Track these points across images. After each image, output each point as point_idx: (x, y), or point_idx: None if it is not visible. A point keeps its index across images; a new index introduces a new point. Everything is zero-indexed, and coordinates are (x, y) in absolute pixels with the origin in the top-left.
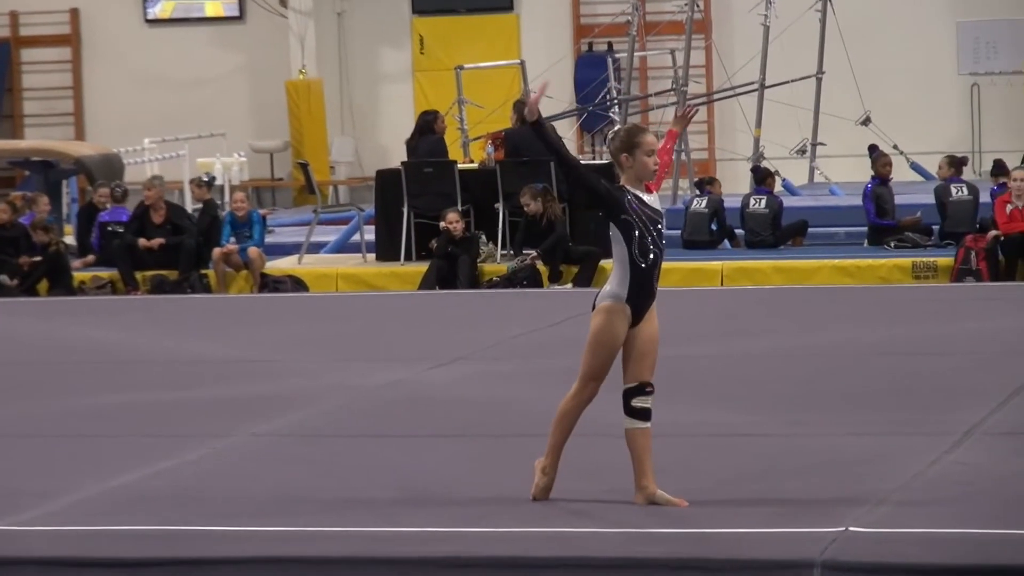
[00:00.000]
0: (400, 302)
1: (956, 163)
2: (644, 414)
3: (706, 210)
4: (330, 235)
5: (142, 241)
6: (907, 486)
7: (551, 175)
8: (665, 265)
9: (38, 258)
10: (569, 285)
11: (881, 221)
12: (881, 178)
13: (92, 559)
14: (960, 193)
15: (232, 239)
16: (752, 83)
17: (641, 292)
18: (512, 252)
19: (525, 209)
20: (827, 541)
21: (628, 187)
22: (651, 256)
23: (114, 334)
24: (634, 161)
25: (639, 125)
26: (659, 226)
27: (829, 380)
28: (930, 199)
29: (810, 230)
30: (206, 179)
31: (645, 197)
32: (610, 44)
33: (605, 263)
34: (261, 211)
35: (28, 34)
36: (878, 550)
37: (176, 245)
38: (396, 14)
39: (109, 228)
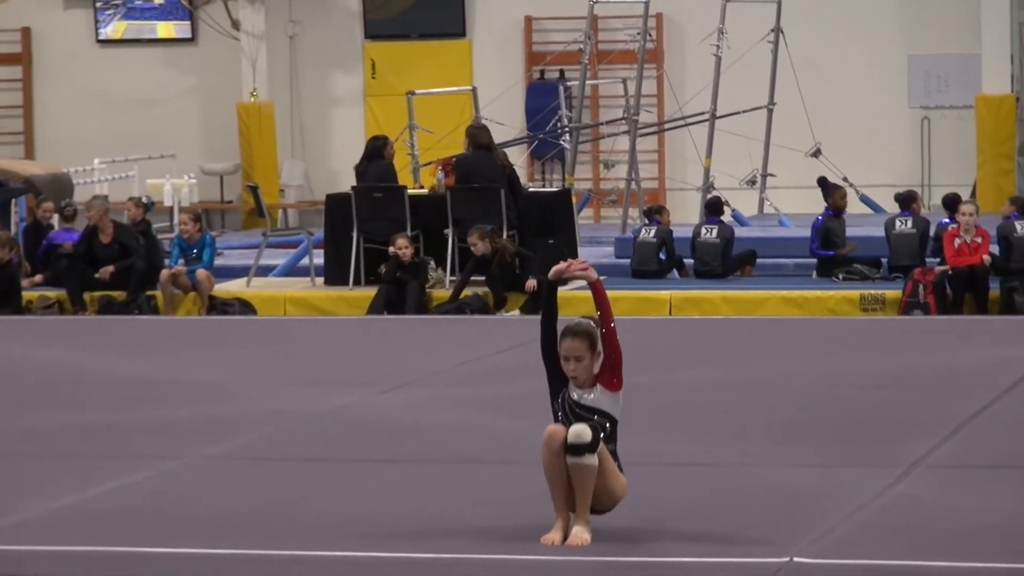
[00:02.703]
0: (348, 327)
1: (902, 198)
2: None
3: (654, 240)
4: (279, 258)
5: (100, 271)
6: (852, 517)
7: (500, 203)
8: (613, 294)
9: None
10: (516, 312)
11: (821, 252)
12: (837, 210)
13: None
14: (904, 226)
15: (181, 261)
16: (703, 113)
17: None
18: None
19: (472, 249)
20: (772, 571)
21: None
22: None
23: (61, 354)
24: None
25: (566, 328)
26: (594, 417)
27: (776, 412)
28: (879, 231)
29: (759, 261)
30: (144, 201)
31: (574, 394)
32: (562, 72)
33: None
34: (212, 233)
35: None
36: None
37: (126, 267)
38: (348, 38)
39: (58, 248)
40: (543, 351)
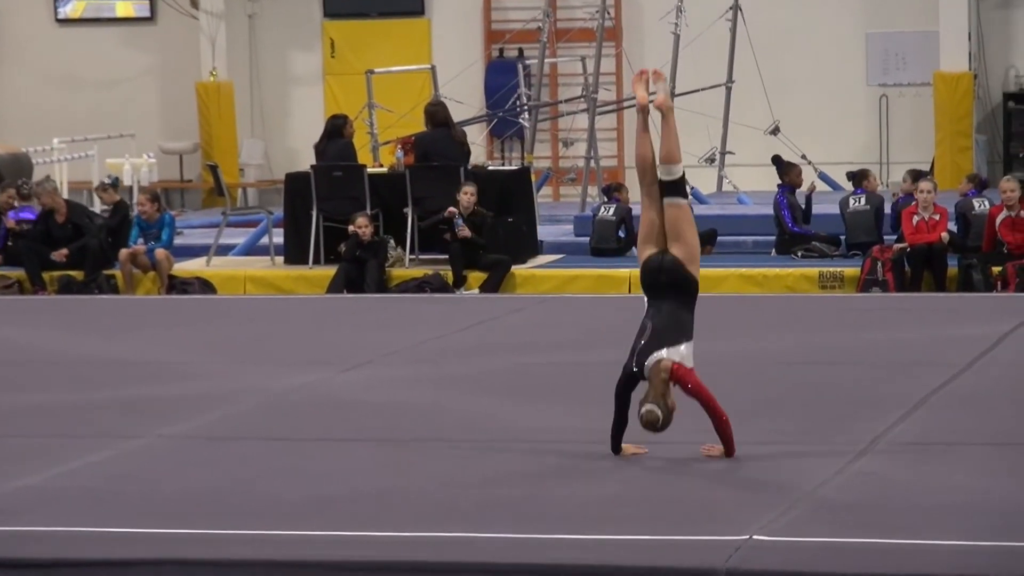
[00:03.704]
0: (308, 305)
1: (854, 176)
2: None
3: (613, 218)
4: (239, 237)
5: (54, 254)
6: (812, 495)
7: (459, 180)
8: (572, 272)
9: None
10: (476, 291)
11: (800, 230)
12: (794, 187)
13: None
14: (857, 204)
15: (140, 240)
16: None
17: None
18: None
19: (460, 197)
20: (731, 549)
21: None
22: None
23: (20, 334)
24: None
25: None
26: None
27: (735, 389)
28: (838, 209)
29: (719, 238)
30: (108, 181)
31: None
32: (521, 50)
33: (517, 269)
34: (172, 212)
35: None
36: (782, 558)
37: (80, 247)
38: (307, 17)
39: (16, 227)
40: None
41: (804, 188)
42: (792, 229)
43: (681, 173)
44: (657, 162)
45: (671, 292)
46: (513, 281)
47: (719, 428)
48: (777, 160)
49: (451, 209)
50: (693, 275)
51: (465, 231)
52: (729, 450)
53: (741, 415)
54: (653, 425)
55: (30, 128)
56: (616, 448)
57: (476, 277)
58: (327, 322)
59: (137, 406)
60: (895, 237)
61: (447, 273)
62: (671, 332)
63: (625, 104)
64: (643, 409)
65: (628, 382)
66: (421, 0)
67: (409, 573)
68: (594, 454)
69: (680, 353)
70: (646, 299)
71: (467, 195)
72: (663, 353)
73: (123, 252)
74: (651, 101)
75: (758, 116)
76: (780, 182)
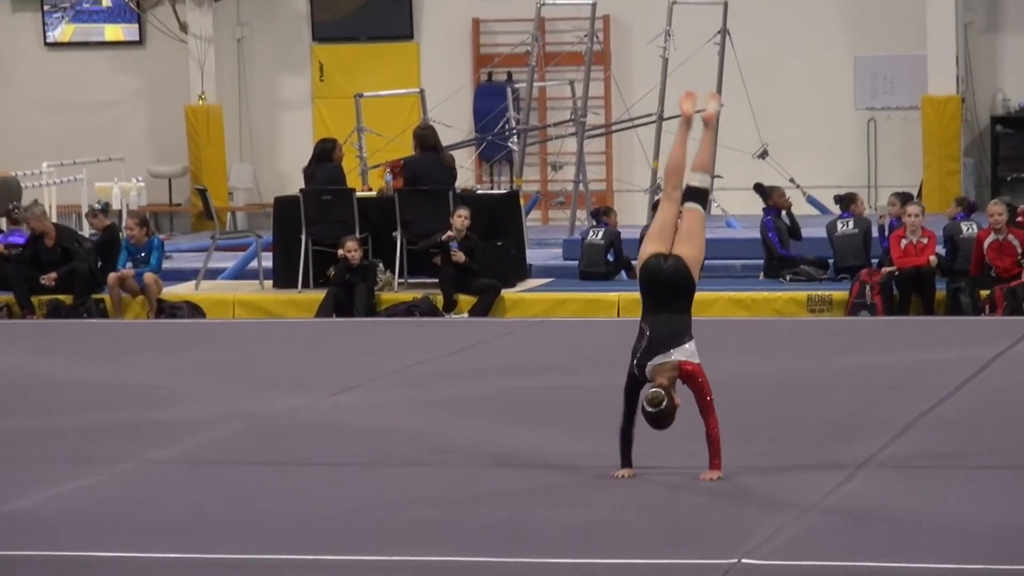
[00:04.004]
0: (297, 329)
1: (842, 200)
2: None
3: (602, 241)
4: (228, 261)
5: (43, 278)
6: (800, 518)
7: (448, 205)
8: (561, 296)
9: None
10: (465, 315)
11: (788, 253)
12: (780, 209)
13: None
14: (846, 228)
15: (128, 264)
16: (650, 115)
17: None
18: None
19: (454, 220)
20: (720, 573)
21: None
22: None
23: (8, 358)
24: None
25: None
26: None
27: (724, 412)
28: (824, 232)
29: (707, 262)
30: (98, 206)
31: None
32: (509, 74)
33: (507, 293)
34: (161, 236)
35: None
36: None
37: (69, 271)
38: (296, 41)
39: (5, 251)
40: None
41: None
42: (780, 252)
43: (709, 184)
44: (689, 168)
45: (669, 295)
46: (502, 305)
47: (708, 425)
48: (759, 187)
49: (449, 233)
50: (694, 279)
51: (459, 255)
52: (715, 459)
53: (730, 438)
54: (656, 404)
55: (19, 152)
56: (625, 458)
57: (466, 301)
58: (316, 346)
59: (126, 430)
60: (877, 261)
61: (436, 297)
62: (673, 338)
63: (613, 128)
64: (650, 390)
65: (633, 384)
66: (410, 24)
67: None
68: (583, 477)
69: (687, 351)
70: (641, 297)
71: (461, 218)
72: (671, 356)
73: (111, 276)
74: (700, 111)
75: (746, 140)
76: (765, 206)
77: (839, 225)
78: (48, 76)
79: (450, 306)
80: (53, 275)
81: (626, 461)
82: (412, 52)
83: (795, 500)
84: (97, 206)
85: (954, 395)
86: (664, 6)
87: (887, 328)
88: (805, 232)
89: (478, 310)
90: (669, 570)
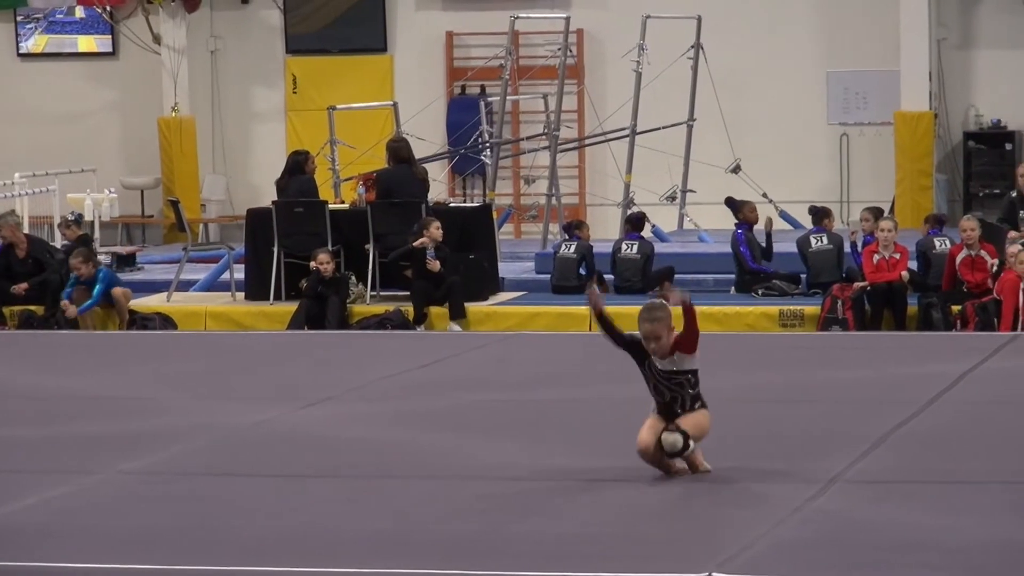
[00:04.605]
0: (269, 341)
1: (817, 212)
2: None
3: (574, 255)
4: (200, 273)
5: (13, 288)
6: (770, 533)
7: (421, 216)
8: (533, 309)
9: None
10: (456, 327)
11: (759, 267)
12: (750, 223)
13: None
14: (820, 243)
15: (71, 295)
16: (623, 129)
17: (667, 414)
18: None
19: (430, 231)
20: None
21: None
22: (666, 396)
23: None
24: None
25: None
26: (677, 378)
27: None
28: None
29: (679, 276)
30: (71, 218)
31: (659, 364)
32: (483, 87)
33: (479, 307)
34: (132, 248)
35: None
36: None
37: (40, 282)
38: (269, 53)
39: None
40: (618, 345)
41: (761, 224)
42: (751, 266)
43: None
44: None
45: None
46: (475, 318)
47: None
48: (730, 201)
49: (424, 239)
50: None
51: (435, 264)
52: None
53: (701, 452)
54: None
55: None
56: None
57: (437, 313)
58: (287, 358)
59: (96, 441)
60: (846, 276)
61: (408, 309)
62: None
63: (587, 142)
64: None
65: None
66: (384, 37)
67: None
68: (553, 490)
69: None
70: None
71: (436, 228)
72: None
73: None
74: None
75: (719, 154)
76: (736, 221)
77: (813, 241)
78: (21, 87)
79: (420, 319)
80: (24, 285)
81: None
82: (386, 65)
83: (766, 514)
84: (71, 217)
85: (926, 410)
86: (638, 20)
87: (859, 343)
88: (777, 247)
89: (457, 313)
90: None
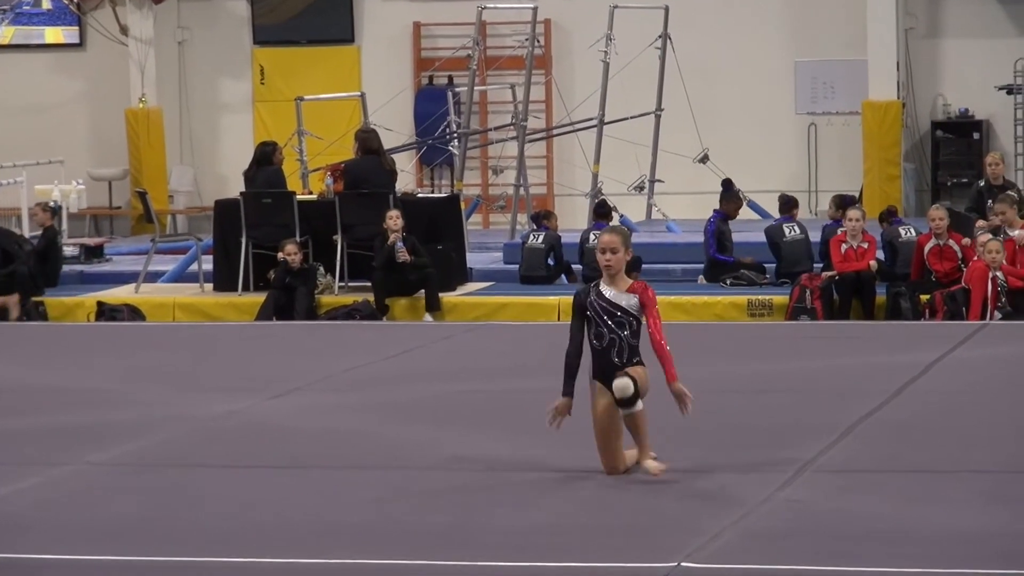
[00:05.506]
0: (237, 332)
1: (786, 201)
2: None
3: (542, 245)
4: (168, 264)
5: None
6: (739, 523)
7: (389, 207)
8: (501, 299)
9: None
10: (429, 317)
11: (722, 256)
12: (727, 215)
13: None
14: (793, 233)
15: None
16: (591, 119)
17: (604, 368)
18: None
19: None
20: None
21: (598, 284)
22: (605, 340)
23: None
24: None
25: (604, 229)
26: (618, 315)
27: (662, 416)
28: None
29: (646, 266)
30: (52, 205)
31: (606, 291)
32: (450, 78)
33: (447, 297)
34: (100, 239)
35: None
36: None
37: (9, 273)
38: (237, 44)
39: None
40: (579, 332)
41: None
42: (713, 255)
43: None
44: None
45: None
46: (442, 309)
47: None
48: (727, 184)
49: (394, 235)
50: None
51: (405, 254)
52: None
53: (669, 443)
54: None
55: None
56: (567, 388)
57: (400, 305)
58: (256, 349)
59: (65, 433)
60: (821, 265)
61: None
62: None
63: (554, 132)
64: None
65: (580, 304)
66: (351, 28)
67: None
68: (523, 480)
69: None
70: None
71: (393, 219)
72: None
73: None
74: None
75: (687, 144)
76: (717, 207)
77: (786, 230)
78: None
79: (383, 310)
80: None
81: (568, 390)
82: (353, 56)
83: (735, 504)
84: (51, 204)
85: (894, 399)
86: (605, 10)
87: (827, 332)
88: (748, 237)
89: (433, 304)
90: (609, 574)
